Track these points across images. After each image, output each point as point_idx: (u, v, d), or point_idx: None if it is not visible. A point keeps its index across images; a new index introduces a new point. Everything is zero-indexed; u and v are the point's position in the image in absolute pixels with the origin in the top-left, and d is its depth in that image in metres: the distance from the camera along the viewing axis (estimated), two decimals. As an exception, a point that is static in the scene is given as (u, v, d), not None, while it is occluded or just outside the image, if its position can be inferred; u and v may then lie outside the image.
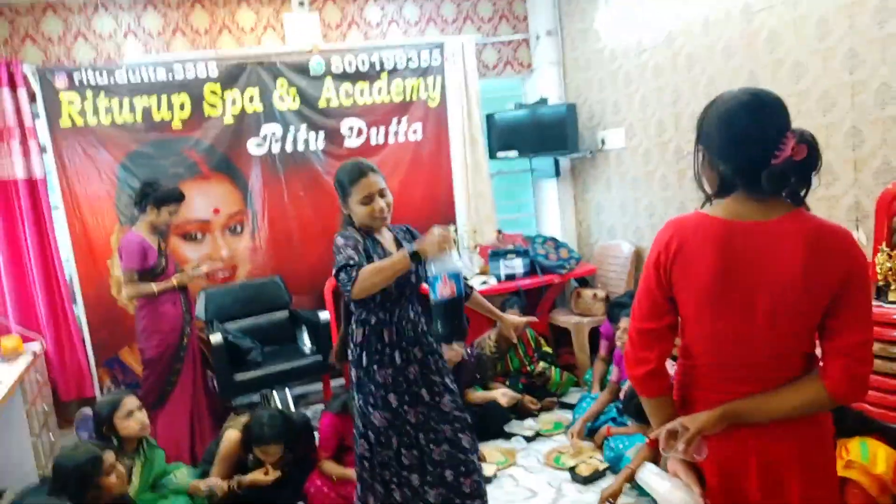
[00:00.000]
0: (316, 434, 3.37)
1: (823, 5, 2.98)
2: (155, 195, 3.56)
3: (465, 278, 2.24)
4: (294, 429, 3.20)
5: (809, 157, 1.36)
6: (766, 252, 1.36)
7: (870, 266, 1.40)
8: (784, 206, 1.39)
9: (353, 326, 2.34)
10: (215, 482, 3.00)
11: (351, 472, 3.09)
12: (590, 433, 3.47)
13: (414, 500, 2.36)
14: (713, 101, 1.45)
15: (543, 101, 4.78)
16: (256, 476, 3.00)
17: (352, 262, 2.12)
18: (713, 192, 1.47)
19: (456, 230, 4.71)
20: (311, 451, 3.31)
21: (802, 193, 1.40)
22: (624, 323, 3.38)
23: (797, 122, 3.21)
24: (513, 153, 4.73)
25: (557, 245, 4.63)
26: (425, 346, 2.38)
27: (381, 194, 2.27)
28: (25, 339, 3.79)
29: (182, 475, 3.09)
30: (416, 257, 2.08)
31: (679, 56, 3.82)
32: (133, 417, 2.91)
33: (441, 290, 2.07)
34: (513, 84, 5.22)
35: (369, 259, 2.23)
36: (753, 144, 1.36)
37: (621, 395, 3.40)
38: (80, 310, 4.13)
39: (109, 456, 2.48)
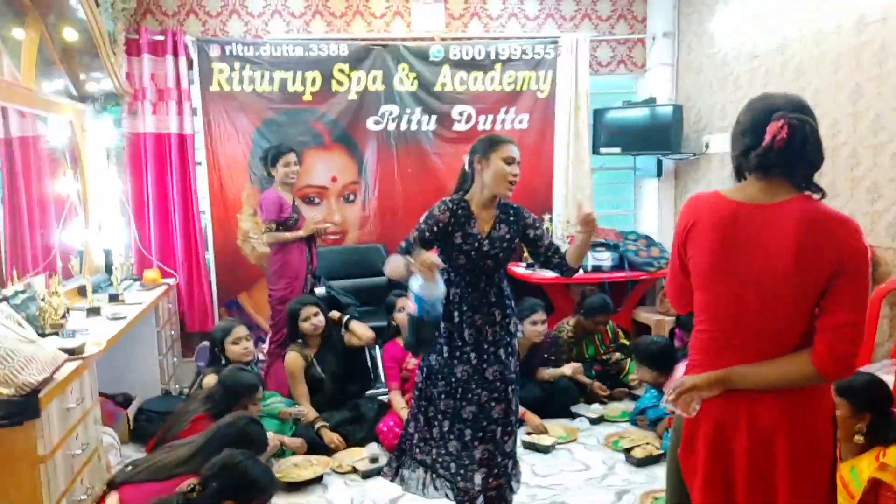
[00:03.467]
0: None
1: (938, 21, 2.93)
2: (269, 157, 4.06)
3: (432, 304, 2.32)
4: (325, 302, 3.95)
5: (794, 142, 1.48)
6: (762, 232, 1.51)
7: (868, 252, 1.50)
8: (790, 190, 1.53)
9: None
10: (301, 410, 3.42)
11: (405, 413, 3.46)
12: (652, 423, 3.60)
13: (440, 442, 2.56)
14: None
15: (652, 101, 4.86)
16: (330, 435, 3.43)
17: (412, 237, 2.42)
18: (736, 177, 1.66)
19: (551, 219, 4.90)
20: (366, 381, 3.87)
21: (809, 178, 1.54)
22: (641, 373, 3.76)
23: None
24: (616, 150, 4.85)
25: (650, 243, 4.72)
26: (488, 317, 2.53)
27: (517, 163, 2.47)
28: (164, 274, 4.39)
29: (276, 401, 3.54)
30: (404, 249, 2.39)
31: (789, 65, 3.81)
32: (240, 344, 3.39)
33: (408, 306, 2.30)
34: (624, 82, 5.31)
35: (456, 233, 2.46)
36: (749, 129, 1.55)
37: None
38: (210, 255, 4.71)
39: (260, 392, 3.06)
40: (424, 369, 2.59)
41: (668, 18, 4.91)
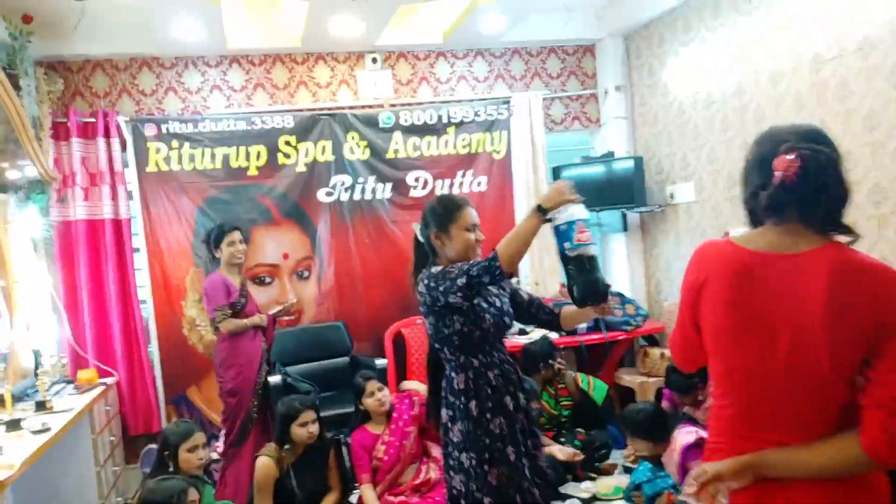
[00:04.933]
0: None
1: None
2: (211, 237, 3.76)
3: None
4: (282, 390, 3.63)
5: (807, 176, 1.26)
6: (786, 288, 1.27)
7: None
8: (817, 238, 1.29)
9: (452, 374, 2.16)
10: None
11: None
12: (650, 500, 3.28)
13: None
14: None
15: (610, 155, 4.75)
16: None
17: (473, 263, 2.02)
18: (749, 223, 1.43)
19: (518, 282, 4.67)
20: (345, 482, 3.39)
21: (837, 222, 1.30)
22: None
23: (871, 174, 3.06)
24: (579, 207, 4.68)
25: (624, 301, 4.51)
26: (526, 392, 2.24)
27: (478, 227, 2.20)
28: (102, 373, 3.98)
29: (227, 511, 3.12)
30: (541, 210, 1.93)
31: (748, 108, 3.73)
32: (196, 453, 2.98)
33: (578, 237, 1.89)
34: (580, 138, 5.22)
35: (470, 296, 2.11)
36: (756, 167, 1.34)
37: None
38: (153, 348, 4.31)
39: (193, 494, 2.56)
40: (484, 500, 2.08)
41: (618, 72, 4.86)
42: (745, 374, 1.33)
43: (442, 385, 2.21)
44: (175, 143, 4.27)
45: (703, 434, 3.05)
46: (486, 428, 2.07)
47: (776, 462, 1.28)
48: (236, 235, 3.74)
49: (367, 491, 3.22)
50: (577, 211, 1.93)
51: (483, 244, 2.22)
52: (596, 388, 4.02)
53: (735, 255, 1.34)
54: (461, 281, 1.98)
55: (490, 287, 2.21)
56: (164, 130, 4.25)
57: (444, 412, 2.17)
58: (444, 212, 2.17)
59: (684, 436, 3.06)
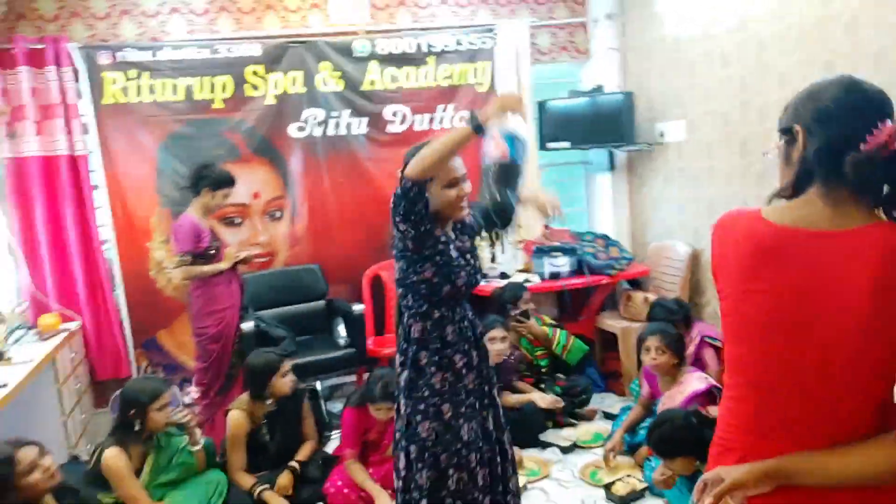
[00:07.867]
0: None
1: (917, -13, 2.63)
2: (212, 177, 3.53)
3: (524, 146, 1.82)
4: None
5: None
6: (829, 270, 1.11)
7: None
8: (866, 215, 1.12)
9: (410, 321, 2.06)
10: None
11: (373, 485, 2.93)
12: (630, 449, 3.24)
13: None
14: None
15: (599, 89, 4.50)
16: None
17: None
18: (786, 188, 1.22)
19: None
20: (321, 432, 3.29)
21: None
22: (652, 341, 3.10)
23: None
24: (565, 144, 4.47)
25: (608, 243, 4.37)
26: (482, 350, 2.16)
27: (464, 178, 2.00)
28: (65, 319, 3.79)
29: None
30: (475, 121, 1.77)
31: (748, 44, 3.48)
32: (164, 411, 2.86)
33: (490, 151, 1.76)
34: (567, 70, 4.94)
35: (445, 254, 2.01)
36: (843, 117, 1.12)
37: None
38: (119, 290, 4.11)
39: (27, 454, 2.34)
40: (410, 448, 2.05)
41: (610, -1, 4.56)
42: (771, 365, 1.18)
43: (398, 332, 2.15)
44: (133, 73, 3.95)
45: (714, 383, 2.94)
46: (427, 380, 2.04)
47: (803, 469, 1.14)
48: (232, 191, 3.62)
49: (355, 470, 2.97)
50: (506, 126, 1.77)
51: None
52: (572, 350, 3.87)
53: (766, 234, 1.17)
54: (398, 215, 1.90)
55: (464, 240, 2.13)
56: (119, 59, 3.91)
57: (397, 357, 2.14)
58: None
59: (696, 381, 2.94)
